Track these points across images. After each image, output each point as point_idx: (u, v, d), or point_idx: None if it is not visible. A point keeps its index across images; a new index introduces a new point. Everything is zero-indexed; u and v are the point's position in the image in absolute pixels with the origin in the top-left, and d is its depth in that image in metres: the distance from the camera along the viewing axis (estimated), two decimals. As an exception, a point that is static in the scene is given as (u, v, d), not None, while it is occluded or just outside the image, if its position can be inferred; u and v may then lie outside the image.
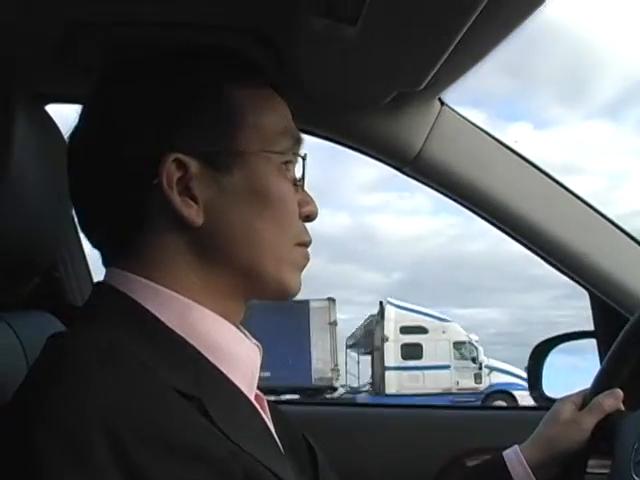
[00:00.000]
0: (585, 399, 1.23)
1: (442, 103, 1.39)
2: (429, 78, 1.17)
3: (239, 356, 0.90)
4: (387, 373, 19.02)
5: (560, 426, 1.21)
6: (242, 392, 0.88)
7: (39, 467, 0.69)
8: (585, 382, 1.29)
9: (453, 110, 1.40)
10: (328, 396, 18.55)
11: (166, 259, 0.88)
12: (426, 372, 18.87)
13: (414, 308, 19.69)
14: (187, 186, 0.86)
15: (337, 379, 19.46)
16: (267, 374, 17.25)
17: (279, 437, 0.93)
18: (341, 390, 20.02)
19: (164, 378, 0.77)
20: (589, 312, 1.66)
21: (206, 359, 0.85)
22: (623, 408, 1.19)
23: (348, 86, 1.29)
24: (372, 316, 20.99)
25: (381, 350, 19.30)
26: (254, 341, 0.95)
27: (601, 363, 1.34)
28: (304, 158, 0.97)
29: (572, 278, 1.50)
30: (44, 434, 0.70)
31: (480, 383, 18.70)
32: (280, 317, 17.88)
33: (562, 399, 1.26)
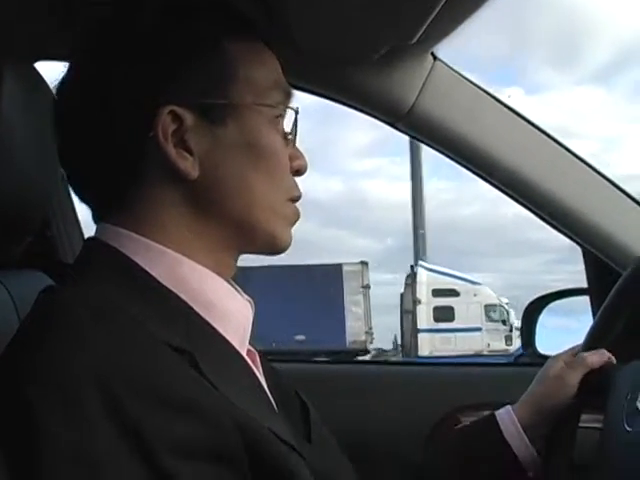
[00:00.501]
0: (575, 356, 1.24)
1: (435, 58, 1.38)
2: (421, 32, 1.16)
3: (230, 311, 0.90)
4: (420, 335, 19.10)
5: (547, 383, 1.21)
6: (233, 347, 0.88)
7: (31, 421, 0.70)
8: (578, 339, 1.30)
9: (446, 65, 1.39)
10: (360, 358, 18.76)
11: (159, 213, 0.87)
12: (458, 334, 18.96)
13: (445, 271, 19.70)
14: (182, 138, 0.86)
15: (371, 342, 19.56)
16: (302, 337, 17.42)
17: (271, 392, 0.93)
18: (374, 352, 20.13)
19: (155, 332, 0.78)
20: (582, 276, 1.67)
21: (197, 314, 0.85)
22: (614, 362, 1.20)
23: (340, 40, 1.28)
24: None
25: (413, 313, 19.33)
26: (246, 297, 0.95)
27: (594, 318, 1.35)
28: (297, 111, 0.96)
29: (565, 234, 1.50)
30: (36, 388, 0.71)
31: (510, 345, 18.75)
32: (314, 281, 18.01)
33: (553, 357, 1.26)
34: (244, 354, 0.92)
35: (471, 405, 1.69)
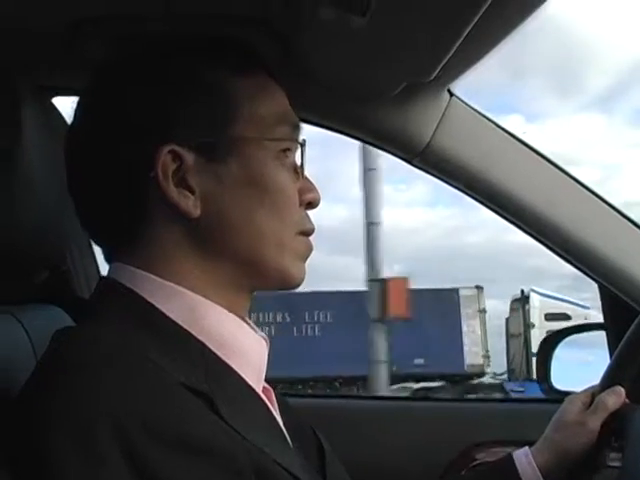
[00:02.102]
0: (593, 396, 1.22)
1: (451, 94, 1.38)
2: (438, 69, 1.16)
3: (246, 349, 0.90)
4: (534, 359, 19.07)
5: (567, 428, 1.20)
6: (250, 386, 0.88)
7: (49, 466, 0.69)
8: (594, 376, 1.28)
9: (462, 101, 1.39)
10: (475, 382, 18.75)
11: (168, 252, 0.87)
12: (570, 358, 18.95)
13: (557, 296, 19.71)
14: (183, 177, 0.86)
15: (488, 365, 19.64)
16: (421, 361, 17.44)
17: (287, 429, 0.93)
18: (487, 376, 20.16)
19: (171, 374, 0.78)
20: (591, 303, 1.66)
21: (213, 353, 0.85)
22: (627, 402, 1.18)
23: (357, 77, 1.28)
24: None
25: (525, 337, 19.28)
26: (261, 334, 0.95)
27: (610, 356, 1.34)
28: (302, 144, 0.96)
29: (582, 270, 1.49)
30: (53, 433, 0.70)
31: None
32: (431, 306, 18.07)
33: (569, 398, 1.24)
34: (260, 391, 0.91)
35: (487, 442, 1.67)
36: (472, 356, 18.94)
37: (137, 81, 0.89)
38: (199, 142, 0.86)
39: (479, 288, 19.70)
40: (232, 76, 0.90)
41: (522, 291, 19.88)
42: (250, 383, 0.88)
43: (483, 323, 19.49)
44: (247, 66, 0.93)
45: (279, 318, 18.21)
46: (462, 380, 18.36)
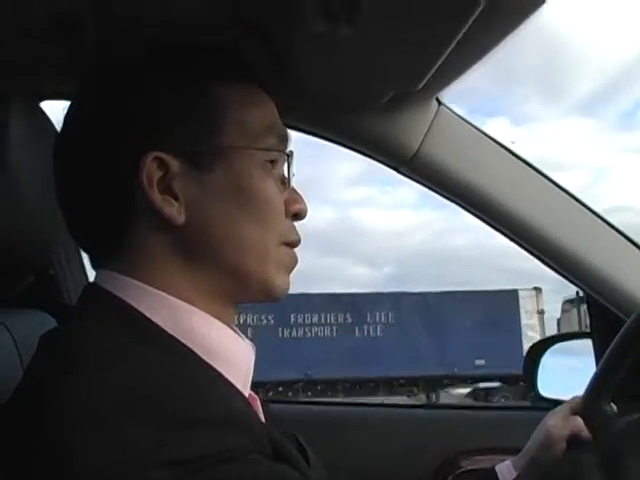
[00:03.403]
0: (575, 408, 1.23)
1: (440, 103, 1.38)
2: (427, 79, 1.17)
3: (233, 355, 0.90)
4: None
5: (543, 443, 1.20)
6: (238, 389, 0.88)
7: (68, 462, 0.69)
8: (580, 383, 1.29)
9: (450, 110, 1.39)
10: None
11: (153, 260, 0.88)
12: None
13: None
14: (169, 185, 0.86)
15: None
16: (482, 362, 17.48)
17: None
18: None
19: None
20: (549, 308, 1.66)
21: (200, 359, 0.85)
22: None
23: (346, 86, 1.28)
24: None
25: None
26: (248, 341, 0.95)
27: (596, 364, 1.34)
28: (289, 155, 0.96)
29: (568, 279, 1.50)
30: (67, 428, 0.70)
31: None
32: (491, 307, 18.11)
33: (550, 413, 1.25)
34: (247, 396, 0.92)
35: (472, 450, 1.68)
36: (531, 357, 19.10)
37: (124, 88, 0.89)
38: (185, 150, 0.86)
39: (537, 289, 19.77)
40: (221, 85, 0.90)
41: (577, 292, 20.00)
42: (238, 387, 0.88)
43: (542, 324, 19.55)
44: (236, 75, 0.93)
45: (341, 319, 18.21)
46: (521, 381, 18.46)
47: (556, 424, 1.19)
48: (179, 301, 0.86)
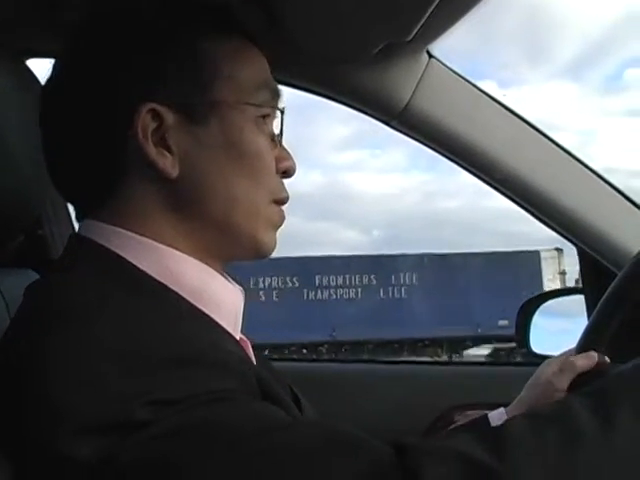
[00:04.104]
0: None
1: (430, 55, 1.37)
2: (417, 29, 1.15)
3: (221, 298, 0.90)
4: None
5: (539, 389, 1.20)
6: (228, 332, 0.89)
7: (57, 408, 0.69)
8: (572, 338, 1.29)
9: (441, 62, 1.38)
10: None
11: (143, 211, 0.87)
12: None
13: None
14: (163, 137, 0.86)
15: None
16: (505, 322, 17.56)
17: None
18: None
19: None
20: (570, 269, 1.66)
21: (189, 302, 0.85)
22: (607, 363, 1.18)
23: (335, 38, 1.27)
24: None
25: None
26: (237, 286, 0.95)
27: (589, 318, 1.34)
28: (282, 112, 0.96)
29: (561, 233, 1.50)
30: (54, 380, 0.70)
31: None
32: (513, 268, 18.15)
33: (546, 362, 1.25)
34: (237, 337, 0.93)
35: (466, 404, 1.69)
36: (553, 317, 19.27)
37: (118, 40, 0.88)
38: (180, 102, 0.86)
39: (559, 250, 19.81)
40: (214, 39, 0.90)
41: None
42: (229, 330, 0.89)
43: (564, 285, 19.63)
44: (229, 30, 0.92)
45: (365, 280, 18.26)
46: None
47: (557, 376, 1.19)
48: (166, 247, 0.86)
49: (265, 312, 15.78)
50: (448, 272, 18.27)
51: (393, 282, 18.54)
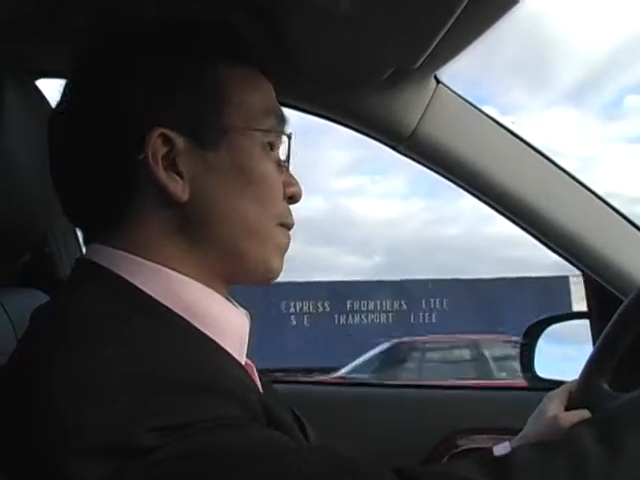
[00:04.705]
0: (572, 391, 1.22)
1: (438, 81, 1.38)
2: (425, 55, 1.16)
3: (226, 322, 0.90)
4: None
5: (543, 425, 1.20)
6: (233, 357, 0.88)
7: (69, 429, 0.69)
8: (578, 363, 1.28)
9: (449, 88, 1.39)
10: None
11: (151, 235, 0.87)
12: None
13: None
14: (173, 161, 0.86)
15: None
16: None
17: None
18: None
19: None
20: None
21: (195, 327, 0.85)
22: None
23: (344, 63, 1.27)
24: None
25: None
26: (242, 309, 0.95)
27: (594, 343, 1.34)
28: (289, 137, 0.97)
29: (567, 259, 1.49)
30: (62, 401, 0.70)
31: None
32: (542, 293, 18.13)
33: (548, 395, 1.25)
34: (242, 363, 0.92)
35: (470, 429, 1.68)
36: (583, 341, 19.23)
37: (129, 65, 0.88)
38: (190, 127, 0.87)
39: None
40: (223, 65, 0.90)
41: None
42: (234, 356, 0.89)
43: None
44: (237, 57, 0.93)
45: (396, 305, 18.19)
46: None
47: (562, 413, 1.18)
48: (174, 272, 0.86)
49: (296, 337, 15.79)
50: (477, 297, 18.21)
51: (424, 307, 18.46)
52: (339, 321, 17.75)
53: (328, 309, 17.62)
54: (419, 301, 18.21)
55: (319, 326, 16.86)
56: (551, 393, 1.24)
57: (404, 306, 18.20)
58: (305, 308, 17.39)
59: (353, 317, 17.89)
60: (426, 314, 18.27)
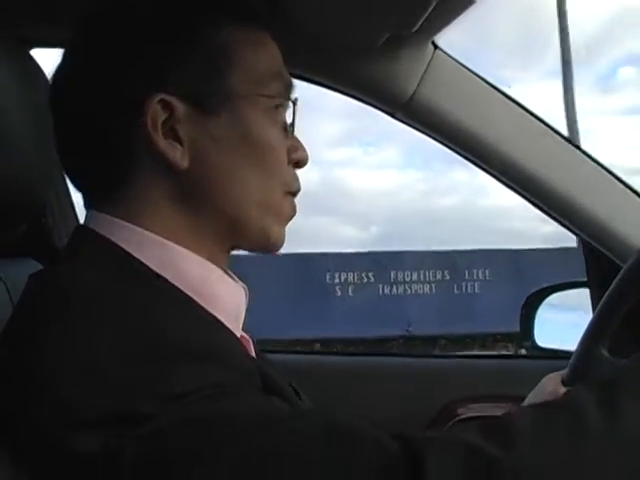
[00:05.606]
0: (570, 369, 1.22)
1: (435, 47, 1.37)
2: (422, 20, 1.15)
3: (222, 295, 0.89)
4: None
5: (544, 398, 1.20)
6: (229, 329, 0.88)
7: (62, 406, 0.68)
8: (577, 331, 1.28)
9: (446, 54, 1.37)
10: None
11: (150, 202, 0.86)
12: None
13: None
14: (173, 128, 0.85)
15: None
16: None
17: None
18: None
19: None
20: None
21: (190, 298, 0.85)
22: None
23: (341, 28, 1.26)
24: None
25: None
26: (240, 283, 0.95)
27: (593, 311, 1.34)
28: (295, 102, 0.95)
29: (565, 225, 1.49)
30: (60, 372, 0.70)
31: None
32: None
33: (547, 377, 1.24)
34: (238, 335, 0.92)
35: (468, 397, 1.68)
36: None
37: (129, 29, 0.87)
38: (191, 93, 0.85)
39: None
40: (226, 28, 0.88)
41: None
42: (228, 326, 0.88)
43: None
44: (242, 19, 0.91)
45: (439, 276, 18.18)
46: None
47: (561, 388, 1.18)
48: (171, 243, 0.86)
49: (341, 307, 15.89)
50: (519, 267, 18.19)
51: (467, 277, 18.43)
52: (383, 291, 17.75)
53: (372, 280, 17.62)
54: (462, 271, 18.20)
55: (363, 296, 16.85)
56: (550, 375, 1.24)
57: (447, 276, 18.19)
58: (350, 279, 17.39)
59: (397, 287, 17.90)
60: (469, 284, 18.28)
